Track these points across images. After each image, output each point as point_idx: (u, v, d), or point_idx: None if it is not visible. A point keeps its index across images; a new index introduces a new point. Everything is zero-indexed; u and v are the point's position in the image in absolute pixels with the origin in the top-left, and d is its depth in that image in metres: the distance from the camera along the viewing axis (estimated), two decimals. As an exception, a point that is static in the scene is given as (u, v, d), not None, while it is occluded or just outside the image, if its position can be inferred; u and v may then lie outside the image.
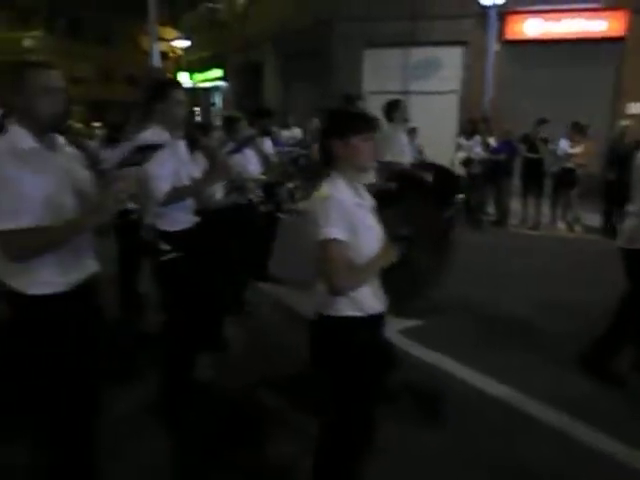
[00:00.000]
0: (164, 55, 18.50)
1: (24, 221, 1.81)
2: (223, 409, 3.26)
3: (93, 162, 1.94)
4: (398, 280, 2.00)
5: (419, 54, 12.94)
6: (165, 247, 2.49)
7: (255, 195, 4.31)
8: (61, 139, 2.08)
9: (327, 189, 2.00)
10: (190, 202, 2.97)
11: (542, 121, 8.60)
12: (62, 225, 1.90)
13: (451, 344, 4.04)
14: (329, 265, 1.92)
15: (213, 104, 19.58)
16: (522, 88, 11.84)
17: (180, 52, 24.68)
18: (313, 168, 11.34)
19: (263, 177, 4.38)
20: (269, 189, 4.51)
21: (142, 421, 3.01)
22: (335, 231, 1.90)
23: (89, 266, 2.10)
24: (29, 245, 1.85)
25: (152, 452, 2.74)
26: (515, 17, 12.20)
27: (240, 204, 4.25)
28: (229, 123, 4.49)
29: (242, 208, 4.26)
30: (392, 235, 2.05)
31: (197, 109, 21.32)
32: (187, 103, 3.05)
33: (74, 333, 2.02)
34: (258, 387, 3.47)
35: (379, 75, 13.01)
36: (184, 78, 21.02)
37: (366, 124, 2.06)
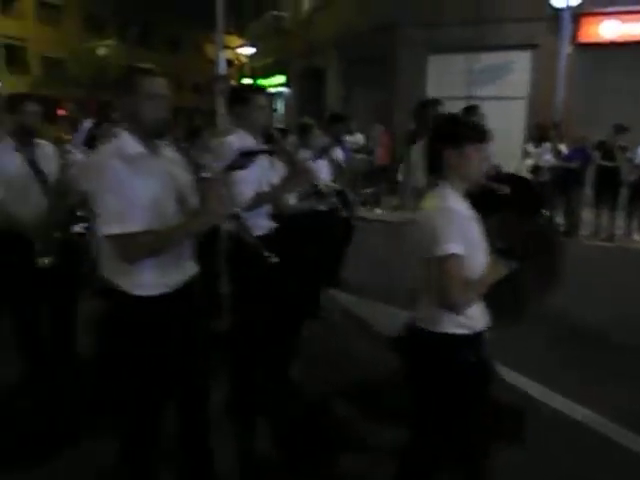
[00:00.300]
0: (229, 62, 18.99)
1: (133, 225, 1.88)
2: (294, 414, 3.27)
3: (196, 167, 1.99)
4: (500, 296, 1.94)
5: (485, 59, 12.67)
6: (267, 252, 2.51)
7: (330, 202, 4.33)
8: (164, 144, 2.14)
9: (440, 200, 1.93)
10: (267, 208, 3.02)
11: (621, 129, 8.20)
12: (171, 229, 1.96)
13: (524, 359, 3.90)
14: (446, 281, 1.84)
15: (275, 110, 19.90)
16: (596, 92, 11.36)
17: (244, 59, 25.30)
18: (377, 174, 11.34)
19: (334, 184, 4.40)
20: (341, 196, 4.53)
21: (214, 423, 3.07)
22: (454, 246, 1.83)
23: (190, 268, 2.16)
24: (142, 248, 1.92)
25: (221, 454, 2.72)
26: (590, 19, 11.72)
27: (318, 211, 4.25)
28: (302, 130, 4.55)
29: (321, 215, 4.27)
30: (492, 248, 1.98)
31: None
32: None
33: (176, 334, 2.08)
34: (328, 394, 3.46)
35: (443, 81, 12.84)
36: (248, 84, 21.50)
37: (481, 134, 1.99)
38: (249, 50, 18.89)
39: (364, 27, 13.36)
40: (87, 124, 3.88)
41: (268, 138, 2.86)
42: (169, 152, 2.14)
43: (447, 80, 12.76)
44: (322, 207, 4.28)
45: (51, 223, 3.19)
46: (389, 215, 9.75)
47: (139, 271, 1.98)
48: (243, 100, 2.97)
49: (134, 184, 1.90)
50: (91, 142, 4.32)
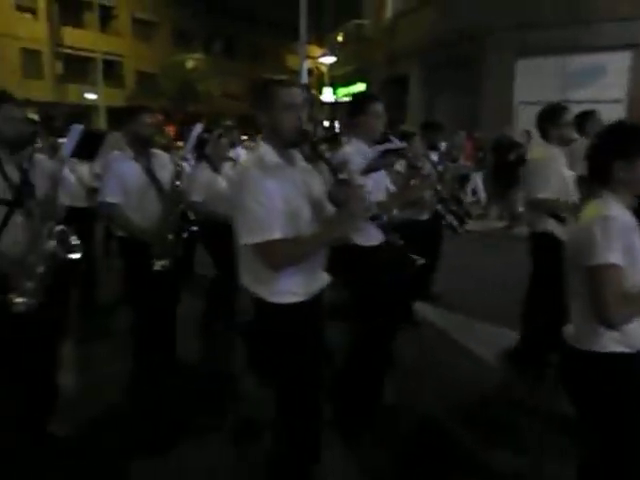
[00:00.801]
0: (309, 72, 19.35)
1: (275, 233, 1.92)
2: (389, 427, 3.18)
3: (334, 170, 2.01)
4: None
5: (579, 61, 12.12)
6: (414, 255, 2.52)
7: (434, 211, 4.30)
8: (299, 153, 2.20)
9: (603, 208, 1.85)
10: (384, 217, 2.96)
11: None
12: (314, 235, 2.02)
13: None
14: (604, 293, 1.74)
15: (356, 118, 20.03)
16: None
17: (324, 68, 25.68)
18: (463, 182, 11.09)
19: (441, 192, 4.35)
20: (445, 205, 4.47)
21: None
22: (614, 256, 1.75)
23: (324, 277, 2.21)
24: (286, 255, 1.96)
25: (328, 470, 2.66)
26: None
27: (417, 220, 4.25)
28: (403, 138, 4.56)
29: (421, 224, 4.26)
30: None
31: (337, 124, 21.99)
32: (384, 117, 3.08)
33: (312, 342, 2.13)
34: (431, 410, 3.39)
35: (532, 85, 12.40)
36: (327, 93, 21.80)
37: None
38: (330, 59, 19.17)
39: (449, 32, 13.20)
40: (197, 130, 3.99)
41: (403, 136, 2.79)
42: (302, 161, 2.20)
43: (537, 84, 12.32)
44: (424, 216, 4.25)
45: (166, 228, 3.33)
46: (482, 225, 9.44)
47: (280, 279, 2.01)
48: (363, 109, 3.01)
49: (274, 193, 1.94)
50: (201, 148, 4.53)
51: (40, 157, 2.87)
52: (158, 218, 3.32)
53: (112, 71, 30.32)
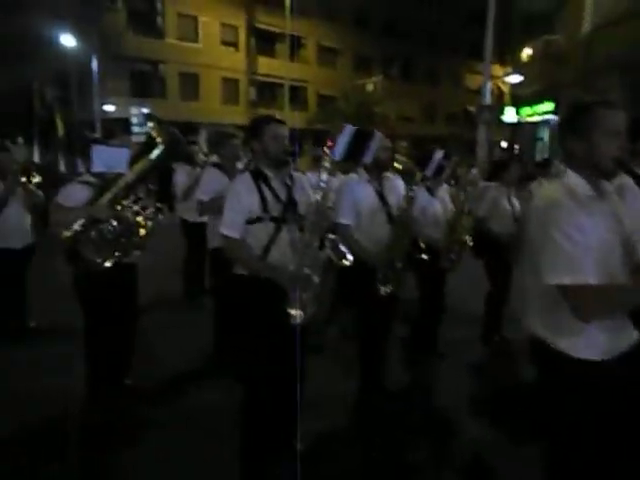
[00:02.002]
0: (490, 92, 18.59)
1: (587, 275, 1.70)
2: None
3: None
4: None
5: None
6: None
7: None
8: (610, 185, 1.92)
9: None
10: None
11: None
12: (630, 289, 1.77)
13: None
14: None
15: (540, 139, 18.69)
16: None
17: (505, 87, 24.54)
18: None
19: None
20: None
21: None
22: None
23: (633, 334, 1.90)
24: (602, 304, 1.73)
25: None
26: None
27: None
28: None
29: None
30: None
31: (517, 146, 20.75)
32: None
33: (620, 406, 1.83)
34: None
35: None
36: (509, 113, 20.73)
37: None
38: (516, 78, 18.21)
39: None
40: (438, 155, 3.97)
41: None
42: (614, 195, 1.93)
43: None
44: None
45: (394, 253, 3.34)
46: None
47: (588, 331, 1.76)
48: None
49: (588, 230, 1.72)
50: (439, 173, 4.26)
51: (296, 173, 3.03)
52: (386, 243, 3.36)
53: (297, 95, 32.62)
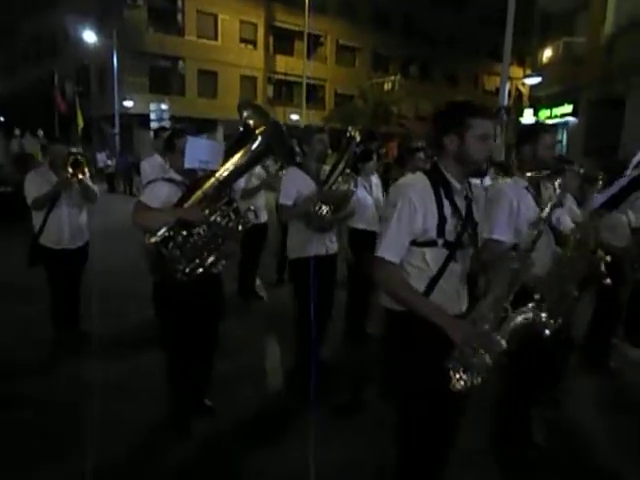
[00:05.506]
0: (507, 93, 18.48)
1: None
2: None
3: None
4: None
5: None
6: None
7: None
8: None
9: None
10: None
11: None
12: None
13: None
14: None
15: (560, 141, 18.52)
16: None
17: (524, 89, 24.37)
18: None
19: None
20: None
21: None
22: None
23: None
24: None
25: None
26: None
27: None
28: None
29: None
30: None
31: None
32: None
33: None
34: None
35: None
36: (527, 115, 20.58)
37: None
38: (535, 80, 18.07)
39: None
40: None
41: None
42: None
43: None
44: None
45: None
46: None
47: None
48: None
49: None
50: None
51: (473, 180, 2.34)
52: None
53: (314, 94, 32.68)
